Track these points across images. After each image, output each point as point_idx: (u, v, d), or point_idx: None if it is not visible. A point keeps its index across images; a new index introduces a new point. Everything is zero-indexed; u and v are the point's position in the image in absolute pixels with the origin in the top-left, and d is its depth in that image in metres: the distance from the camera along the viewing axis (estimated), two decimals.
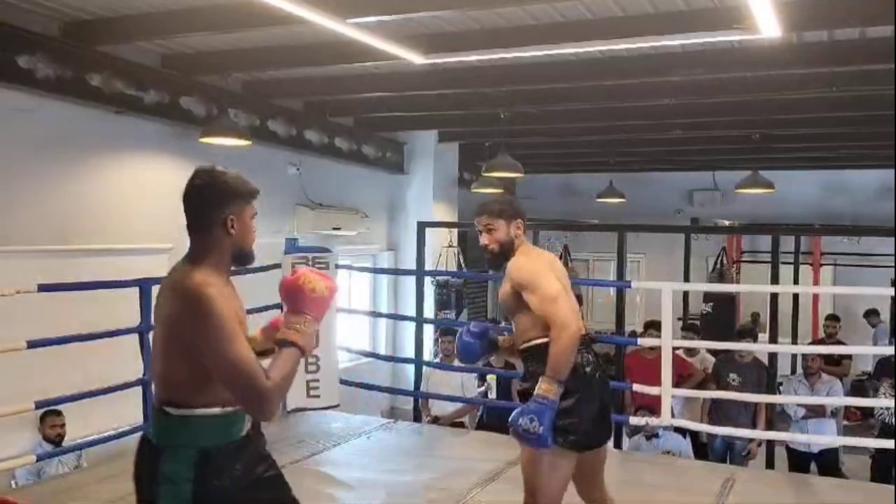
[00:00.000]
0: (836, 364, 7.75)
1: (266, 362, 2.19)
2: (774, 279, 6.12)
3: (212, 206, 2.31)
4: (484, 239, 3.25)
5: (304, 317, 2.24)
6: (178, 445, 2.14)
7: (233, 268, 2.38)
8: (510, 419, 3.02)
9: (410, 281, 8.33)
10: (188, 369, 2.14)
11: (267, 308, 5.93)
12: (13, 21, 4.96)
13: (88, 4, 5.03)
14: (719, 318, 8.95)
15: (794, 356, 8.34)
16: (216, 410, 2.18)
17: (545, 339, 2.99)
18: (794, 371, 8.40)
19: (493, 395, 7.55)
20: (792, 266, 8.47)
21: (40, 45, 5.14)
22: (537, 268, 3.11)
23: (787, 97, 7.08)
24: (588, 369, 3.08)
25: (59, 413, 5.31)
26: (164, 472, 2.14)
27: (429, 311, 8.52)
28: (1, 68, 4.95)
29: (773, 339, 6.03)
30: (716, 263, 10.22)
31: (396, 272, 9.51)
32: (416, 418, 6.76)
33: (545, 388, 2.93)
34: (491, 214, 3.22)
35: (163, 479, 2.14)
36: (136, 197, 6.45)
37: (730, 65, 5.77)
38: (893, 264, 7.64)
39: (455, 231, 9.90)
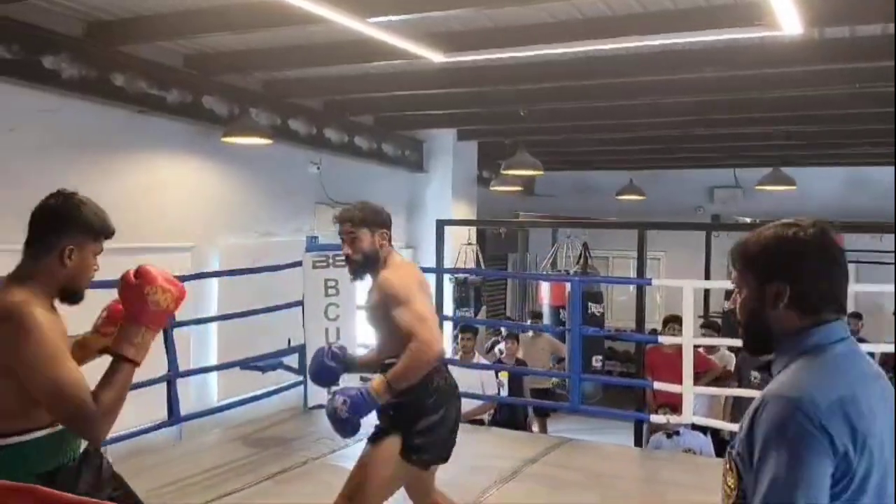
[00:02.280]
0: None
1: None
2: None
3: (53, 230, 2.18)
4: (346, 248, 3.11)
5: (142, 328, 2.13)
6: (16, 476, 1.74)
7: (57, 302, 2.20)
8: (329, 395, 2.97)
9: (429, 278, 8.33)
10: (14, 394, 1.96)
11: (288, 306, 5.99)
12: (38, 22, 5.02)
13: (111, 5, 5.08)
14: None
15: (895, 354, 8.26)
16: (46, 431, 2.03)
17: None
18: None
19: (504, 392, 7.57)
20: (893, 266, 8.38)
21: (64, 45, 5.20)
22: (406, 282, 2.99)
23: (809, 94, 7.02)
24: (449, 391, 3.05)
25: None
26: None
27: (448, 308, 8.54)
28: (26, 69, 5.01)
29: None
30: None
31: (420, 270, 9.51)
32: None
33: (379, 388, 2.81)
34: (353, 222, 3.07)
35: None
36: (159, 196, 6.52)
37: (751, 61, 5.73)
38: (893, 261, 7.58)
39: (474, 229, 9.90)
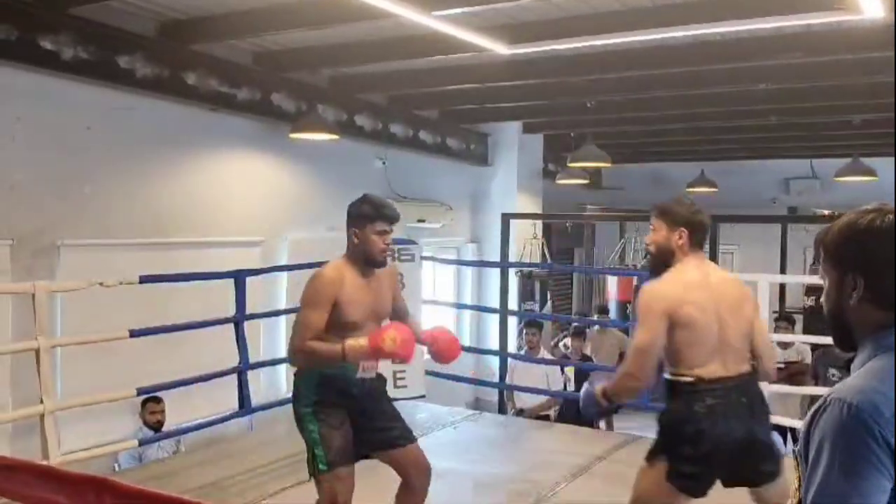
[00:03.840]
0: None
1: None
2: None
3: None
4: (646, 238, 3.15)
5: (365, 348, 3.00)
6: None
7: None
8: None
9: (494, 273, 8.31)
10: None
11: None
12: (113, 22, 5.17)
13: (183, 4, 5.20)
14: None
15: None
16: None
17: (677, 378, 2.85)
18: None
19: (571, 387, 7.48)
20: None
21: (139, 45, 5.35)
22: (651, 300, 2.87)
23: (890, 80, 6.72)
24: (722, 415, 2.82)
25: (158, 400, 5.53)
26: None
27: (513, 302, 8.49)
28: (102, 68, 5.17)
29: None
30: (816, 255, 9.82)
31: (481, 264, 9.51)
32: (501, 410, 6.76)
33: (599, 393, 2.94)
34: (655, 214, 3.01)
35: None
36: (230, 192, 6.66)
37: (829, 47, 5.53)
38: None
39: (539, 223, 9.82)
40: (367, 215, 3.13)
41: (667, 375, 2.89)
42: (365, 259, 3.14)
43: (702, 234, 2.97)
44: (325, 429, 3.11)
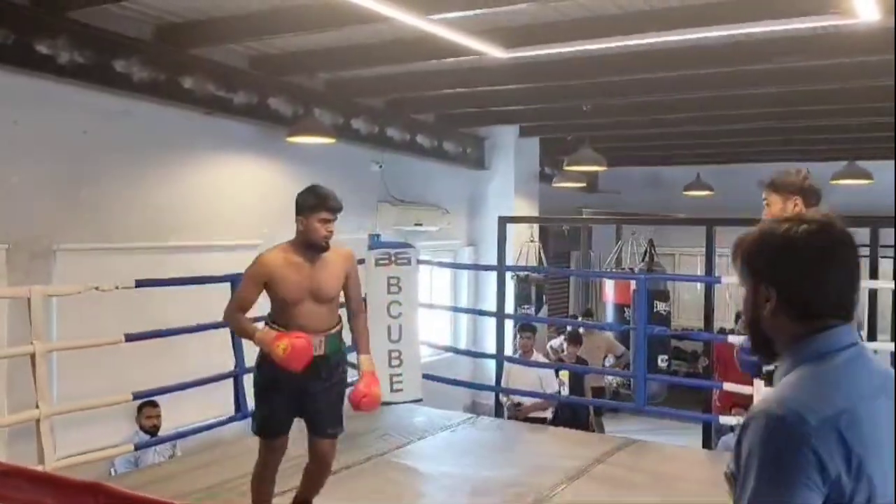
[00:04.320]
0: None
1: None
2: (874, 274, 5.86)
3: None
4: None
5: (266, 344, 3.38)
6: None
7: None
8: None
9: (491, 276, 8.31)
10: None
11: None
12: (110, 26, 5.16)
13: (180, 8, 5.20)
14: None
15: (894, 354, 7.96)
16: None
17: None
18: (894, 369, 8.02)
19: (565, 391, 7.49)
20: (892, 260, 8.09)
21: (135, 48, 5.34)
22: None
23: (887, 84, 6.74)
24: None
25: (155, 404, 5.52)
26: None
27: (509, 306, 8.49)
28: (99, 72, 5.16)
29: (873, 336, 5.77)
30: None
31: (477, 267, 9.51)
32: (498, 413, 6.76)
33: None
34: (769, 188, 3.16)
35: None
36: (226, 195, 6.65)
37: (825, 51, 5.53)
38: (893, 255, 7.26)
39: (536, 226, 9.82)
40: (311, 205, 3.50)
41: None
42: (308, 244, 3.49)
43: (816, 199, 3.03)
44: (260, 398, 3.59)
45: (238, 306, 3.56)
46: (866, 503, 1.25)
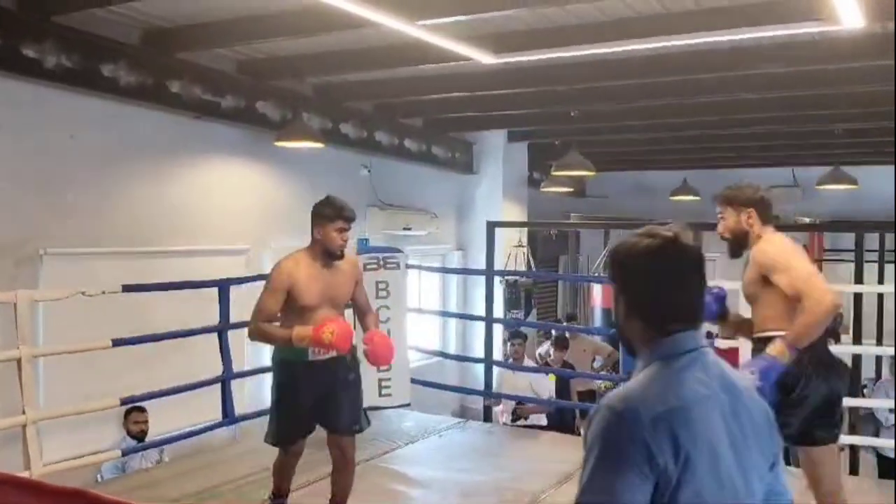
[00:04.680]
0: None
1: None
2: (858, 278, 5.90)
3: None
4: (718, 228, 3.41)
5: (309, 336, 3.41)
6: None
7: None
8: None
9: (480, 280, 8.32)
10: None
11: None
12: (97, 31, 5.15)
13: (168, 13, 5.19)
14: None
15: (878, 358, 8.02)
16: None
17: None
18: (878, 373, 8.07)
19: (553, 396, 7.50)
20: (877, 265, 8.16)
21: (123, 53, 5.32)
22: (782, 249, 3.12)
23: (871, 90, 6.81)
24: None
25: (142, 409, 5.50)
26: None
27: (498, 310, 8.50)
28: (86, 77, 5.14)
29: (857, 341, 5.81)
30: None
31: (466, 272, 9.52)
32: (487, 418, 6.76)
33: (780, 350, 2.92)
34: (720, 202, 3.33)
35: None
36: (215, 200, 6.64)
37: (810, 57, 5.58)
38: (894, 260, 7.32)
39: (524, 230, 9.85)
40: (328, 215, 3.61)
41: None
42: (325, 252, 3.60)
43: (769, 210, 3.21)
44: (278, 408, 3.67)
45: (265, 318, 3.60)
46: (693, 494, 1.37)
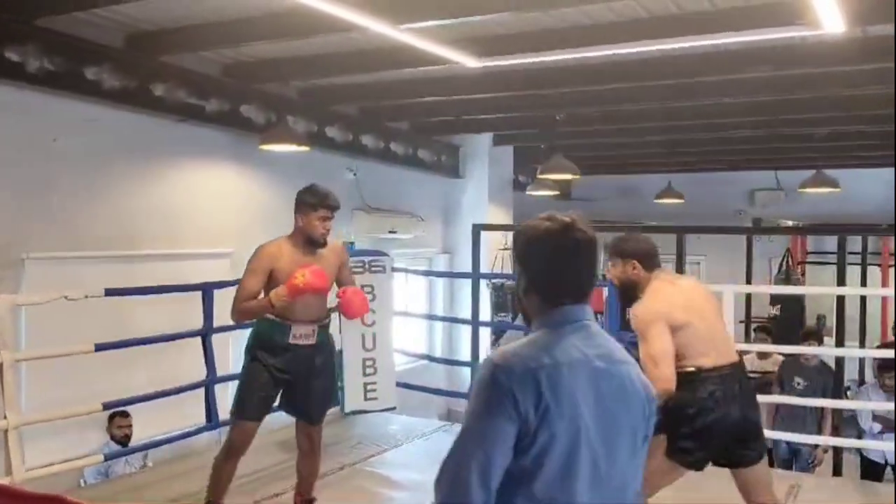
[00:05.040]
0: None
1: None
2: (841, 281, 5.94)
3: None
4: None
5: (284, 291, 3.43)
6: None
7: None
8: None
9: (466, 284, 8.32)
10: None
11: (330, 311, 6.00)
12: (80, 34, 5.12)
13: (152, 16, 5.17)
14: (787, 320, 8.75)
15: (861, 361, 8.09)
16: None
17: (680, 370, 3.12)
18: (861, 375, 8.14)
19: None
20: (859, 267, 8.22)
21: (106, 56, 5.30)
22: (649, 315, 3.21)
23: (853, 93, 6.87)
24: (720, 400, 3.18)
25: (126, 414, 5.46)
26: None
27: (484, 313, 8.50)
28: (70, 80, 5.12)
29: (840, 343, 5.85)
30: (781, 265, 9.98)
31: (452, 275, 9.52)
32: None
33: None
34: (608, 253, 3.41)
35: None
36: (199, 203, 6.61)
37: (792, 61, 5.63)
38: (894, 263, 7.39)
39: (510, 234, 9.84)
40: (311, 203, 3.64)
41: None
42: (307, 240, 3.65)
43: (652, 258, 3.31)
44: (247, 381, 3.67)
45: (246, 297, 3.61)
46: (549, 438, 1.58)
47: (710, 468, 3.31)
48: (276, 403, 3.85)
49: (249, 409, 3.67)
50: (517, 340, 1.71)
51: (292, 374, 3.67)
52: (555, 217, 1.72)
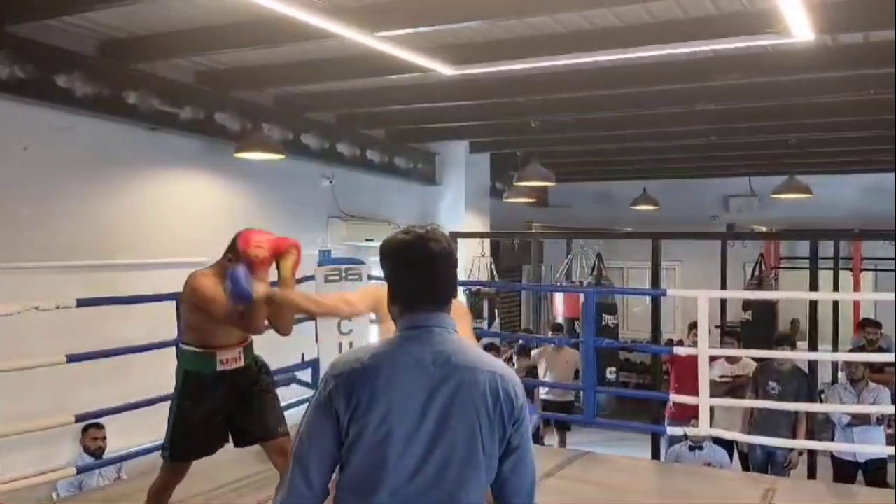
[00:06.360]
0: (879, 371, 7.58)
1: None
2: (813, 285, 6.01)
3: None
4: None
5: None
6: None
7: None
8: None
9: None
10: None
11: (303, 320, 5.97)
12: (52, 41, 5.07)
13: (124, 23, 5.13)
14: (760, 325, 8.83)
15: (834, 364, 8.18)
16: None
17: None
18: (834, 379, 8.23)
19: None
20: (831, 272, 8.33)
21: (78, 64, 5.25)
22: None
23: (824, 100, 6.97)
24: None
25: (100, 426, 5.39)
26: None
27: None
28: (41, 87, 5.06)
29: (813, 347, 5.91)
30: (754, 270, 10.07)
31: None
32: None
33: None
34: None
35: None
36: (172, 212, 6.55)
37: (764, 69, 5.70)
38: (893, 268, 7.50)
39: (487, 241, 9.88)
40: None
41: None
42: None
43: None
44: (175, 424, 3.53)
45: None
46: (357, 431, 1.72)
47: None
48: (229, 440, 3.65)
49: (177, 451, 3.53)
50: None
51: (228, 401, 3.51)
52: (411, 230, 1.83)
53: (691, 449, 5.90)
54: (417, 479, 1.70)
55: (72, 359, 4.34)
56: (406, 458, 1.70)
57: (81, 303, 4.45)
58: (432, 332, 1.80)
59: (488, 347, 7.19)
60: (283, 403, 5.85)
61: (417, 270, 1.81)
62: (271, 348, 6.12)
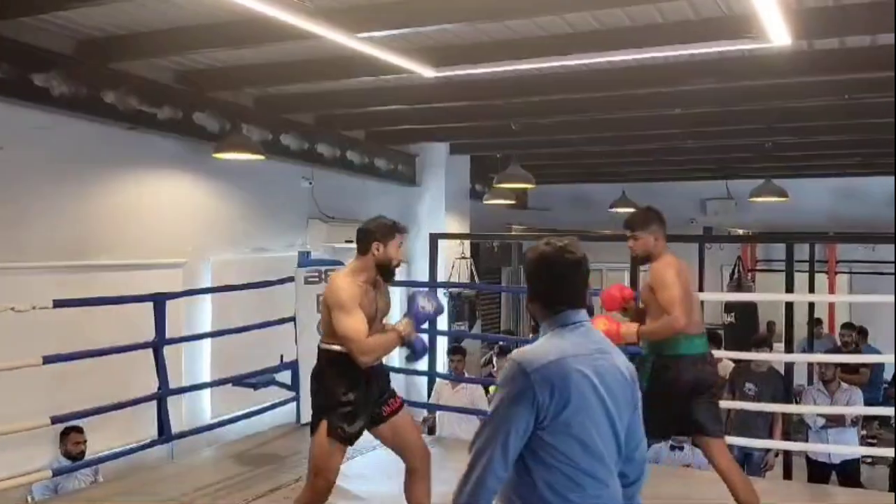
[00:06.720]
0: (853, 373, 7.68)
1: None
2: (789, 288, 6.08)
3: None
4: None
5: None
6: None
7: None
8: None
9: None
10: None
11: (281, 321, 5.96)
12: (29, 40, 5.01)
13: (103, 22, 5.09)
14: (742, 327, 8.92)
15: (810, 365, 8.27)
16: None
17: None
18: (810, 380, 8.32)
19: None
20: (807, 274, 8.42)
21: (55, 63, 5.20)
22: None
23: (800, 105, 7.05)
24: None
25: (80, 429, 5.34)
26: None
27: (442, 322, 8.50)
28: (17, 87, 5.01)
29: (789, 349, 5.98)
30: (732, 273, 10.16)
31: (409, 284, 9.48)
32: (430, 430, 6.74)
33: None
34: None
35: None
36: (151, 212, 6.50)
37: (741, 73, 5.76)
38: (893, 271, 7.61)
39: (467, 243, 9.89)
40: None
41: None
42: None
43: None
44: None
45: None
46: (564, 420, 2.00)
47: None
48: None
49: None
50: (531, 343, 2.16)
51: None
52: (552, 241, 2.17)
53: (672, 449, 5.94)
54: (610, 446, 2.07)
55: (48, 360, 4.30)
56: (598, 434, 2.04)
57: (58, 304, 4.40)
58: (586, 326, 2.15)
59: (456, 351, 7.16)
60: (265, 405, 5.91)
61: (560, 275, 2.14)
62: (250, 350, 6.11)
